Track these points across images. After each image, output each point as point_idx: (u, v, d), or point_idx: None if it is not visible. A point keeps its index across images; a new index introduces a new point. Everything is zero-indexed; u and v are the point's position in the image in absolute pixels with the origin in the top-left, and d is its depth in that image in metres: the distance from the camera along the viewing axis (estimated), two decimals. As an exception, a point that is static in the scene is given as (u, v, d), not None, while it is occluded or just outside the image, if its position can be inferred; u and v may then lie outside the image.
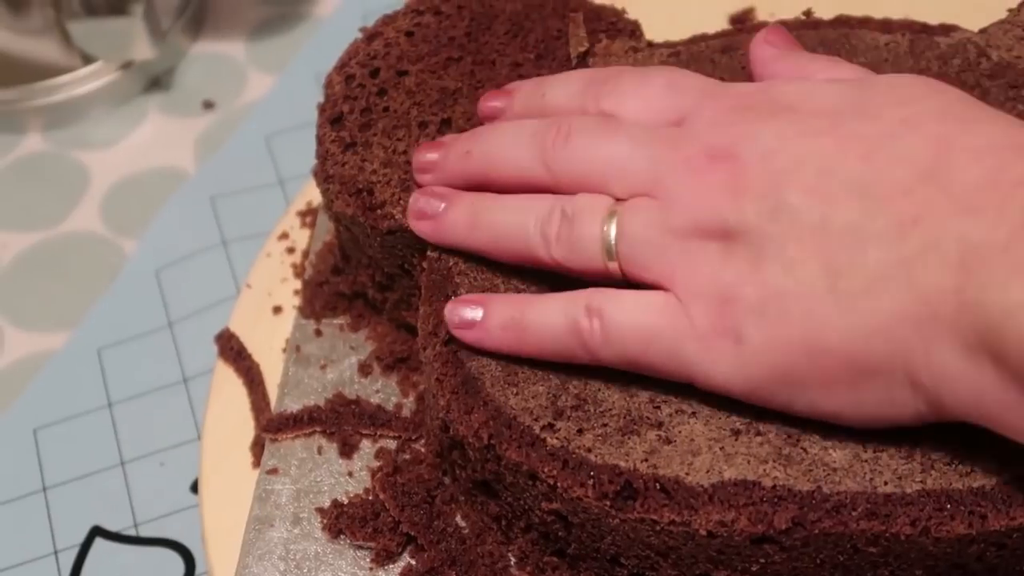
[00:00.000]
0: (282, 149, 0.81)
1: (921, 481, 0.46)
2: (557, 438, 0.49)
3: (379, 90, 0.61)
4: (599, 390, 0.50)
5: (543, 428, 0.49)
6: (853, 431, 0.47)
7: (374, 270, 0.60)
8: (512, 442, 0.49)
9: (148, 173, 0.82)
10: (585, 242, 0.50)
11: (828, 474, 0.47)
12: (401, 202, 0.57)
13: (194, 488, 0.67)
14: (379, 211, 0.57)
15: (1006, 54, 0.58)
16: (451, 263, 0.54)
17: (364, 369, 0.61)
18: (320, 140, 0.60)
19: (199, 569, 0.65)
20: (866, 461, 0.47)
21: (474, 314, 0.52)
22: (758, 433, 0.48)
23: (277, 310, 0.66)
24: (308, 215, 0.69)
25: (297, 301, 0.65)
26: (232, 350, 0.65)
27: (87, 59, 0.83)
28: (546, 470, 0.48)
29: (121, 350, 0.74)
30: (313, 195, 0.70)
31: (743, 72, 0.59)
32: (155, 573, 0.65)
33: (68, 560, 0.66)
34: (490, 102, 0.57)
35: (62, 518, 0.68)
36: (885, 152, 0.45)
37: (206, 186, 0.80)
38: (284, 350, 0.63)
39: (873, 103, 0.47)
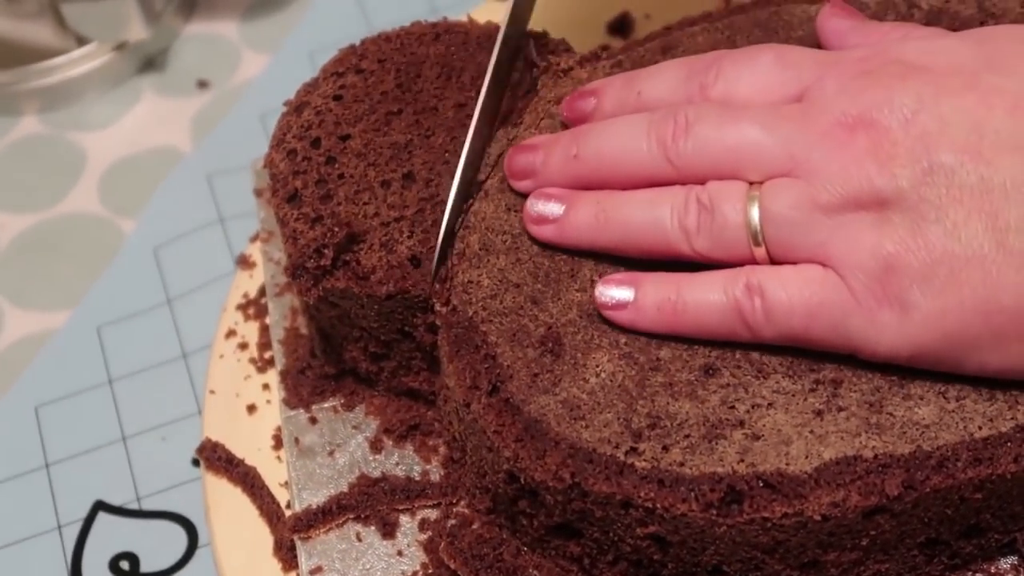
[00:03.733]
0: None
1: (1012, 418, 0.47)
2: (645, 460, 0.48)
3: (327, 159, 0.59)
4: (668, 404, 0.50)
5: (627, 453, 0.48)
6: (929, 386, 0.48)
7: (367, 341, 0.59)
8: (599, 475, 0.48)
9: (144, 153, 0.82)
10: (729, 229, 0.49)
11: (922, 432, 0.47)
12: (391, 263, 0.56)
13: (196, 462, 0.68)
14: (372, 278, 0.56)
15: (935, 1, 0.58)
16: (471, 313, 0.53)
17: (375, 445, 0.59)
18: (283, 221, 0.58)
19: (202, 540, 0.66)
20: (953, 411, 0.48)
21: (625, 294, 0.51)
22: (840, 409, 0.48)
23: (251, 409, 0.64)
24: (249, 306, 0.68)
25: (268, 395, 0.64)
26: (220, 460, 0.62)
27: (81, 41, 0.83)
28: (642, 495, 0.47)
29: (121, 327, 0.74)
30: (248, 286, 0.69)
31: None
32: (158, 546, 0.66)
33: (72, 534, 0.67)
34: (577, 104, 0.56)
35: (65, 493, 0.68)
36: None
37: (202, 164, 0.80)
38: (273, 447, 0.62)
39: (1004, 54, 0.47)
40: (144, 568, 0.65)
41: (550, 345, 0.52)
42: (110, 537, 0.67)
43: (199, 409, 0.70)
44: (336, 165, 0.59)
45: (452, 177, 0.57)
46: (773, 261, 0.49)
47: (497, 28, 0.62)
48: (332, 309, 0.58)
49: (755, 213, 0.49)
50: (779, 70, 0.51)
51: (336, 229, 0.56)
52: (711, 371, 0.50)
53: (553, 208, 0.54)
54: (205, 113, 0.83)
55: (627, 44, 0.63)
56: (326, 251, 0.56)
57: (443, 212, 0.56)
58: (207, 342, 0.71)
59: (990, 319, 0.45)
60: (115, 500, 0.68)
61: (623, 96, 0.55)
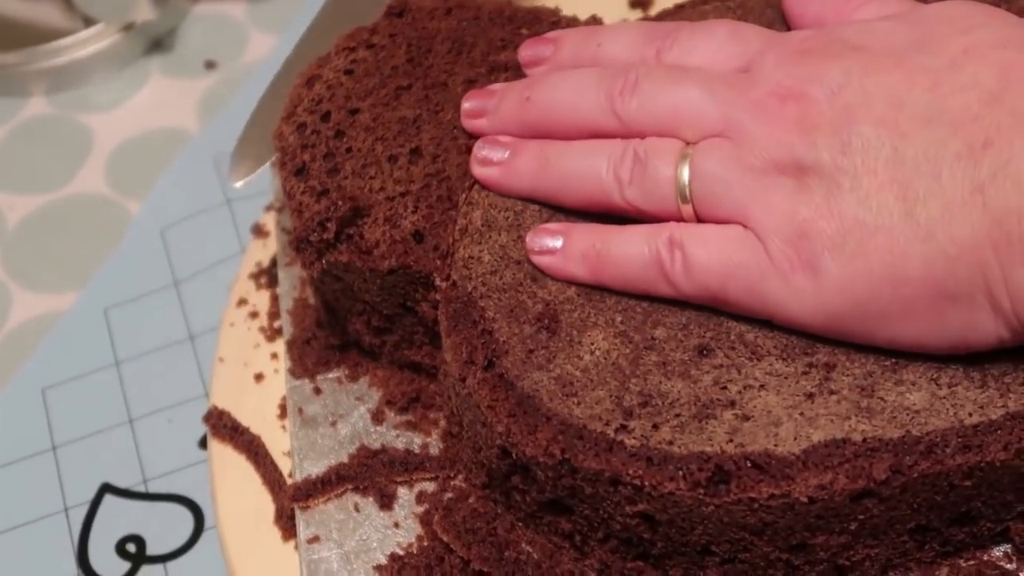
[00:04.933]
0: (285, 108, 0.81)
1: (1003, 406, 0.47)
2: (634, 438, 0.48)
3: (335, 132, 0.59)
4: (660, 383, 0.49)
5: (617, 431, 0.48)
6: (922, 372, 0.48)
7: (369, 315, 0.59)
8: (588, 451, 0.48)
9: (152, 134, 0.82)
10: (660, 182, 0.51)
11: (912, 417, 0.47)
12: (394, 238, 0.55)
13: (202, 444, 0.68)
14: (374, 252, 0.56)
15: None
16: (470, 288, 0.53)
17: (377, 417, 0.59)
18: (289, 194, 0.58)
19: (208, 523, 0.66)
20: (944, 398, 0.47)
21: (554, 242, 0.53)
22: (831, 392, 0.48)
23: (259, 378, 0.64)
24: (261, 276, 0.68)
25: (275, 365, 0.64)
26: (226, 427, 0.62)
27: (88, 21, 0.83)
28: (630, 472, 0.47)
29: (128, 309, 0.74)
30: (261, 255, 0.69)
31: None
32: (165, 527, 0.66)
33: (79, 516, 0.67)
34: (534, 48, 0.57)
35: (72, 476, 0.68)
36: (951, 81, 0.46)
37: (209, 146, 0.80)
38: (279, 416, 0.62)
39: (934, 36, 0.48)
40: (150, 551, 0.65)
41: (546, 322, 0.52)
42: (117, 519, 0.67)
43: (205, 391, 0.70)
44: (344, 139, 0.59)
45: (459, 153, 0.57)
46: (700, 219, 0.51)
47: (509, 2, 0.62)
48: (336, 282, 0.58)
49: (685, 171, 0.50)
50: (731, 42, 0.53)
51: (340, 203, 0.55)
52: (705, 351, 0.50)
53: (498, 153, 0.55)
54: (213, 94, 0.83)
55: (639, 19, 0.62)
56: (329, 224, 0.55)
57: (447, 187, 0.56)
58: (214, 324, 0.71)
59: (897, 289, 0.46)
60: (122, 482, 0.68)
61: (581, 48, 0.56)
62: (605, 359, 0.51)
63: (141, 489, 0.67)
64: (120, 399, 0.70)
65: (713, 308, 0.51)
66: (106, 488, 0.68)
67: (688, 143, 0.51)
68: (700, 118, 0.51)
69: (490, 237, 0.55)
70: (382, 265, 0.55)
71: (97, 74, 0.84)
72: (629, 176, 0.52)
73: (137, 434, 0.69)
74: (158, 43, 0.85)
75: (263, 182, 0.74)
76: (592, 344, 0.51)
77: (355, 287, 0.57)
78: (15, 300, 0.75)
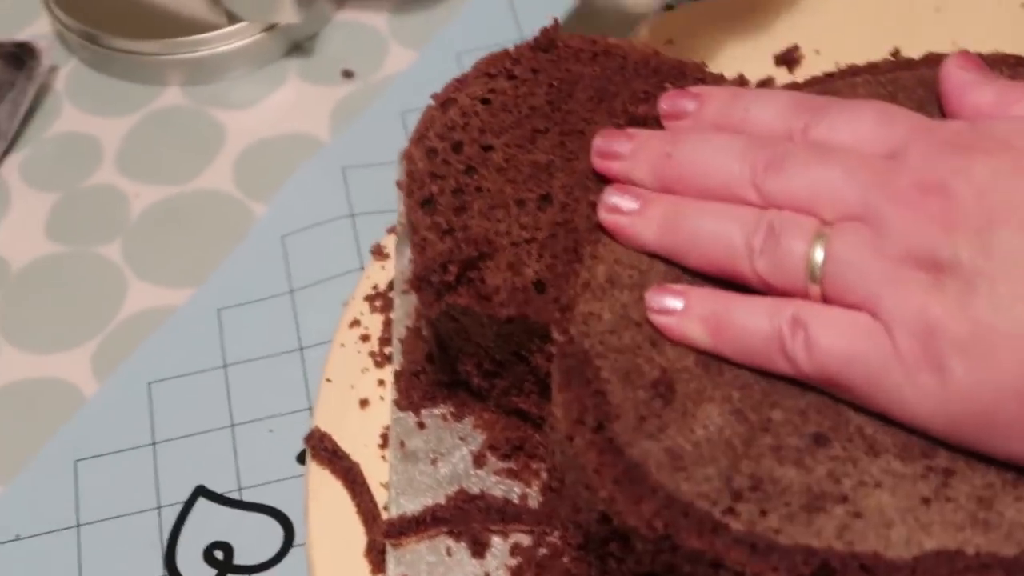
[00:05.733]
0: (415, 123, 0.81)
1: None
2: (740, 522, 0.47)
3: (466, 167, 0.58)
4: (773, 468, 0.48)
5: (723, 512, 0.47)
6: None
7: (481, 358, 0.58)
8: (692, 530, 0.47)
9: (283, 137, 0.82)
10: (792, 258, 0.50)
11: None
12: (515, 286, 0.55)
13: (300, 458, 0.67)
14: (494, 299, 0.55)
15: None
16: (587, 345, 0.52)
17: (478, 460, 0.58)
18: (414, 228, 0.57)
19: (297, 540, 0.65)
20: None
21: (675, 302, 0.52)
22: (948, 499, 0.47)
23: (364, 403, 0.64)
24: (376, 298, 0.68)
25: (382, 392, 0.63)
26: (326, 451, 0.62)
27: (232, 18, 0.83)
28: (732, 557, 0.46)
29: (241, 312, 0.74)
30: (379, 277, 0.69)
31: None
32: (254, 538, 0.66)
33: (171, 516, 0.67)
34: (677, 101, 0.57)
35: (168, 474, 0.68)
36: None
37: (339, 156, 0.80)
38: (380, 445, 0.62)
39: None
40: (237, 560, 0.65)
41: (662, 389, 0.51)
42: (207, 524, 0.66)
43: (309, 405, 0.69)
44: (475, 176, 0.58)
45: (589, 205, 0.56)
46: (827, 301, 0.50)
47: (656, 54, 0.61)
48: (451, 322, 0.57)
49: (819, 251, 0.50)
50: (878, 126, 0.52)
51: (465, 246, 0.55)
52: (822, 440, 0.49)
53: (629, 202, 0.55)
54: (346, 104, 0.83)
55: (787, 85, 0.61)
56: (452, 267, 0.55)
57: (574, 238, 0.56)
58: (324, 337, 0.71)
59: None
60: (217, 487, 0.68)
61: (727, 110, 0.56)
62: (718, 436, 0.50)
63: (235, 496, 0.67)
64: (224, 402, 0.70)
65: (833, 397, 0.50)
66: (200, 491, 0.68)
67: (825, 223, 0.50)
68: (840, 200, 0.50)
69: (612, 295, 0.54)
70: (501, 313, 0.55)
71: (235, 71, 0.84)
72: (761, 247, 0.51)
73: (237, 440, 0.69)
74: (298, 47, 0.86)
75: (389, 199, 0.74)
76: (706, 418, 0.50)
77: (470, 329, 0.57)
78: (131, 290, 0.76)
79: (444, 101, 0.61)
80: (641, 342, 0.53)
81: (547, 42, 0.63)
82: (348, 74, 0.84)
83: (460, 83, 0.62)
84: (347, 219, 0.77)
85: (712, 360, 0.52)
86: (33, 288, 0.77)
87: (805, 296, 0.50)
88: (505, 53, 0.63)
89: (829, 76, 0.61)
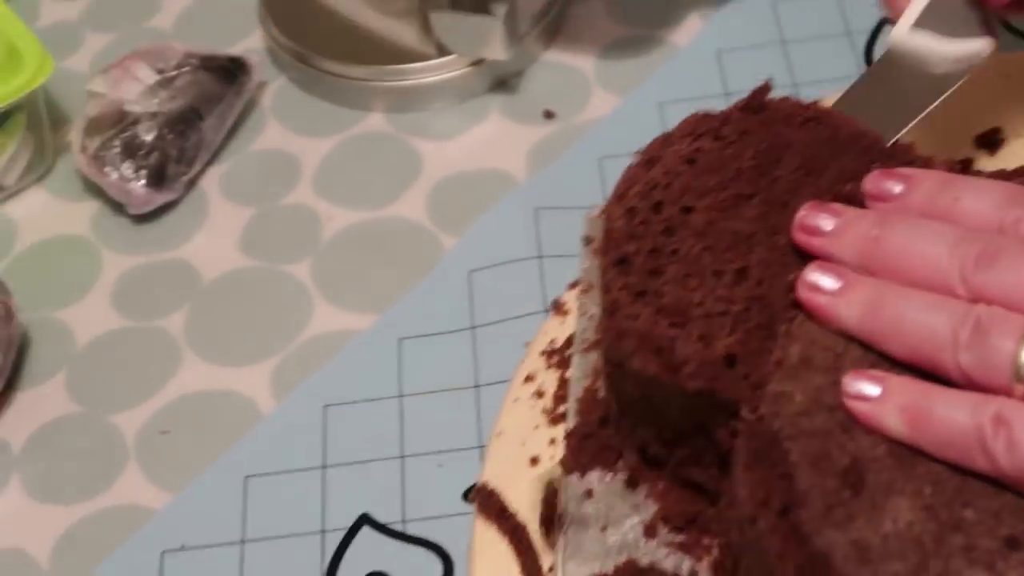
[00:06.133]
0: (612, 173, 0.79)
1: None
2: None
3: (665, 228, 0.56)
4: (962, 569, 0.46)
5: None
6: None
7: (661, 426, 0.56)
8: None
9: (479, 172, 0.82)
10: (999, 355, 0.48)
11: None
12: (705, 359, 0.53)
13: (467, 495, 0.67)
14: (682, 370, 0.53)
15: None
16: (777, 426, 0.51)
17: (649, 531, 0.57)
18: (606, 288, 0.55)
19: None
20: None
21: (873, 389, 0.50)
22: None
23: (534, 461, 0.63)
24: (553, 355, 0.67)
25: (552, 452, 0.62)
26: (493, 508, 0.61)
27: (441, 50, 0.84)
28: None
29: (421, 344, 0.74)
30: (557, 332, 0.68)
31: None
32: (414, 572, 0.65)
33: (333, 541, 0.67)
34: (884, 182, 0.55)
35: (335, 499, 0.68)
36: None
37: (533, 196, 0.79)
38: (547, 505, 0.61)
39: None
40: (396, 591, 0.65)
41: (852, 479, 0.49)
42: (369, 553, 0.66)
43: (480, 443, 0.69)
44: (673, 238, 0.56)
45: (787, 281, 0.54)
46: None
47: (870, 133, 0.59)
48: (635, 388, 0.56)
49: None
50: None
51: (660, 319, 0.54)
52: (1016, 544, 0.47)
53: (831, 282, 0.53)
54: (545, 144, 0.83)
55: (992, 173, 0.59)
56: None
57: (769, 314, 0.54)
58: (501, 377, 0.70)
59: None
60: (381, 516, 0.68)
61: (936, 196, 0.54)
62: (908, 531, 0.48)
63: (399, 528, 0.67)
64: (396, 432, 0.70)
65: None
66: (365, 519, 0.68)
67: None
68: None
69: (806, 376, 0.52)
70: (689, 385, 0.53)
71: (438, 103, 0.85)
72: (967, 341, 0.49)
73: (406, 471, 0.69)
74: (502, 83, 0.86)
75: (574, 243, 0.73)
76: (896, 512, 0.48)
77: (654, 397, 0.55)
78: (316, 310, 0.77)
79: (648, 159, 0.60)
80: (833, 427, 0.51)
81: (758, 103, 0.62)
82: (549, 115, 0.84)
83: (665, 141, 0.60)
84: (535, 260, 0.76)
85: (905, 452, 0.50)
86: (222, 300, 0.78)
87: (1009, 395, 0.48)
88: (713, 115, 0.61)
89: None
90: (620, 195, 0.59)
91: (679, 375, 0.53)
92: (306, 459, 0.70)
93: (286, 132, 0.86)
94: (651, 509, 0.58)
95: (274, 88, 0.88)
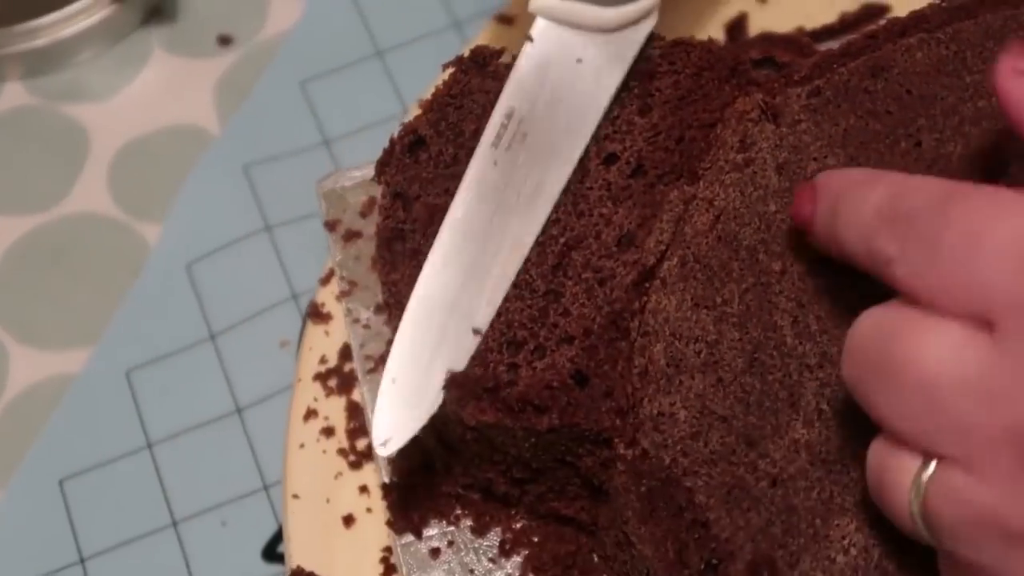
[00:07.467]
0: (322, 98, 0.67)
1: None
2: None
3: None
4: None
5: None
6: None
7: (509, 465, 0.47)
8: None
9: (162, 132, 0.67)
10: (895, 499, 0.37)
11: None
12: (548, 383, 0.43)
13: (267, 554, 0.55)
14: (528, 410, 0.43)
15: None
16: (668, 459, 0.42)
17: None
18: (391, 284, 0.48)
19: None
20: None
21: None
22: None
23: (348, 521, 0.51)
24: (329, 377, 0.55)
25: (368, 503, 0.51)
26: None
27: (70, -10, 0.67)
28: None
29: (155, 371, 0.61)
30: (323, 347, 0.56)
31: (909, 97, 0.47)
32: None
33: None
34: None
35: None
36: None
37: (236, 150, 0.66)
38: (384, 573, 0.50)
39: None
40: None
41: (779, 508, 0.41)
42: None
43: (263, 481, 0.57)
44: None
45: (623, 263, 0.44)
46: None
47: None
48: (467, 432, 0.45)
49: (917, 505, 0.36)
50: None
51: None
52: None
53: None
54: (230, 78, 0.68)
55: (822, 59, 0.49)
56: None
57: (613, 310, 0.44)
58: (265, 391, 0.59)
59: None
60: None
61: None
62: (864, 558, 0.40)
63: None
64: (158, 494, 0.58)
65: None
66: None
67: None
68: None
69: (681, 383, 0.43)
70: (539, 424, 0.43)
71: (85, 52, 0.69)
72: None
73: (185, 541, 0.57)
74: (157, 10, 0.70)
75: (309, 206, 0.60)
76: (844, 538, 0.40)
77: (495, 441, 0.45)
78: (12, 361, 0.61)
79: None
80: (735, 445, 0.42)
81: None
82: (225, 40, 0.69)
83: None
84: (263, 234, 0.63)
85: (827, 455, 0.41)
86: None
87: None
88: None
89: (872, 38, 0.49)
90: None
91: (525, 416, 0.43)
92: (55, 556, 0.57)
93: None
94: (517, 559, 0.47)
95: None
